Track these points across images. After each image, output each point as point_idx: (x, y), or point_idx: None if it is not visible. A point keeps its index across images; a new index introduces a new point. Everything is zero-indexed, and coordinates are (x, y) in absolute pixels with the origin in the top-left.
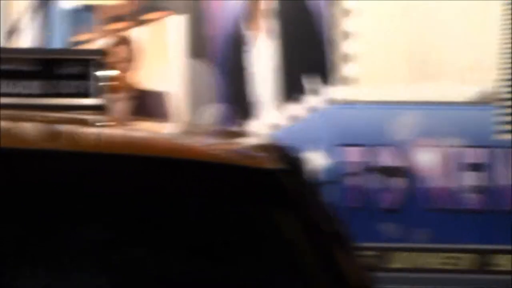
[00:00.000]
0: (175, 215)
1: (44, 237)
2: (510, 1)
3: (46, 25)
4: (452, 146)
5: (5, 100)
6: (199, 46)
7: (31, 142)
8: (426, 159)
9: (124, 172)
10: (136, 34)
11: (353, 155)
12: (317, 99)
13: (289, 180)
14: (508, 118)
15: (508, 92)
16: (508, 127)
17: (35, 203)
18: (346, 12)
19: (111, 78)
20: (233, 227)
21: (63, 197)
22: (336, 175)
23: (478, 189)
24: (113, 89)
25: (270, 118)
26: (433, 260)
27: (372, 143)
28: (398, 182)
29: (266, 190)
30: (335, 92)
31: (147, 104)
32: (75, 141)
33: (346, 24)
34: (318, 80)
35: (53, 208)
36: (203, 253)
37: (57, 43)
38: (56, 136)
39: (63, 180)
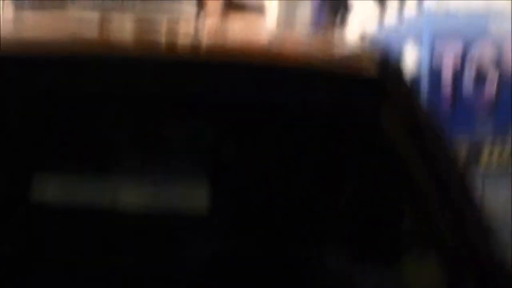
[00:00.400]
0: (274, 124)
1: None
2: None
3: None
4: None
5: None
6: None
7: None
8: None
9: (224, 80)
10: None
11: (450, 49)
12: None
13: (391, 87)
14: None
15: None
16: None
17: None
18: None
19: None
20: (334, 139)
21: (159, 105)
22: (433, 71)
23: None
24: None
25: (368, 14)
26: None
27: (469, 38)
28: (495, 77)
29: (368, 99)
30: None
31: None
32: (170, 49)
33: None
34: None
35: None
36: (304, 164)
37: None
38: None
39: (161, 88)
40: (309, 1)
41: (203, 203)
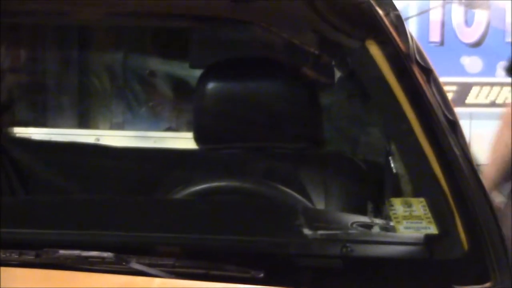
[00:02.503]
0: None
1: None
2: None
3: None
4: None
5: None
6: None
7: None
8: None
9: None
10: None
11: None
12: None
13: (376, 11)
14: None
15: None
16: None
17: None
18: None
19: None
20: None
21: None
22: (420, 9)
23: None
24: None
25: None
26: None
27: None
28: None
29: (354, 22)
30: None
31: None
32: None
33: None
34: None
35: None
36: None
37: None
38: None
39: None
40: None
41: None
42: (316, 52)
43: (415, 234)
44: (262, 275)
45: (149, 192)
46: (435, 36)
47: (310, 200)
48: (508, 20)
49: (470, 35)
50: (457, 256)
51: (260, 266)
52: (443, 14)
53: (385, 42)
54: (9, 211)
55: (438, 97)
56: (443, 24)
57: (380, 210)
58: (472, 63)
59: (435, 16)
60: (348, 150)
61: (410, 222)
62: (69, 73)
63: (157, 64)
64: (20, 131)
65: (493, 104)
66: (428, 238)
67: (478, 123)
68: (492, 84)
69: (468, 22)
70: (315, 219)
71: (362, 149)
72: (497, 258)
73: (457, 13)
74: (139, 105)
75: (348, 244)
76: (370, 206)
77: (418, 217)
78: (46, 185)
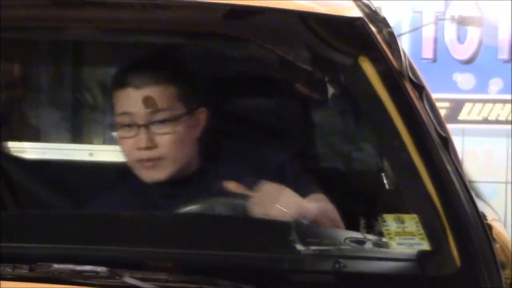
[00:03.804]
0: (257, 64)
1: None
2: None
3: None
4: None
5: None
6: None
7: None
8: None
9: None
10: None
11: (430, 5)
12: None
13: (370, 28)
14: None
15: None
16: None
17: None
18: None
19: None
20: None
21: None
22: (412, 26)
23: None
24: None
25: None
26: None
27: None
28: (474, 33)
29: (348, 39)
30: None
31: None
32: None
33: None
34: None
35: None
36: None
37: None
38: None
39: None
40: None
41: None
42: (309, 68)
43: (408, 250)
44: None
45: (143, 208)
46: (427, 52)
47: None
48: (500, 37)
49: (463, 52)
50: (449, 273)
51: (252, 281)
52: (436, 31)
53: (378, 59)
54: (2, 225)
55: (431, 114)
56: (435, 41)
57: (372, 226)
58: (464, 80)
59: (428, 33)
60: (341, 166)
61: (402, 238)
62: (63, 88)
63: None
64: (14, 146)
65: (485, 121)
66: (421, 254)
67: (471, 140)
68: (484, 101)
69: (460, 39)
70: (308, 235)
71: (355, 165)
72: (489, 274)
73: (450, 30)
74: None
75: (341, 260)
76: (362, 222)
77: (411, 233)
78: (38, 200)
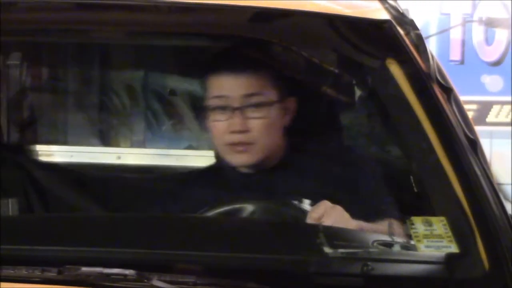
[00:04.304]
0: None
1: None
2: None
3: None
4: None
5: None
6: None
7: None
8: None
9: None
10: None
11: (458, 6)
12: None
13: (398, 30)
14: None
15: None
16: None
17: None
18: None
19: None
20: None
21: None
22: (440, 28)
23: None
24: None
25: None
26: None
27: None
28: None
29: (375, 42)
30: None
31: None
32: None
33: None
34: None
35: None
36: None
37: None
38: None
39: None
40: None
41: None
42: (337, 71)
43: (436, 253)
44: None
45: (171, 210)
46: (455, 54)
47: None
48: None
49: (491, 53)
50: (478, 276)
51: (281, 284)
52: (464, 33)
53: (406, 61)
54: (31, 229)
55: (459, 116)
56: (463, 43)
57: (401, 229)
58: (492, 81)
59: (456, 35)
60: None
61: (430, 240)
62: (90, 91)
63: (178, 83)
64: (42, 149)
65: None
66: (449, 257)
67: (499, 142)
68: None
69: (488, 41)
70: (336, 238)
71: (383, 168)
72: None
73: (478, 31)
74: (160, 123)
75: (369, 263)
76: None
77: (439, 236)
78: (65, 203)
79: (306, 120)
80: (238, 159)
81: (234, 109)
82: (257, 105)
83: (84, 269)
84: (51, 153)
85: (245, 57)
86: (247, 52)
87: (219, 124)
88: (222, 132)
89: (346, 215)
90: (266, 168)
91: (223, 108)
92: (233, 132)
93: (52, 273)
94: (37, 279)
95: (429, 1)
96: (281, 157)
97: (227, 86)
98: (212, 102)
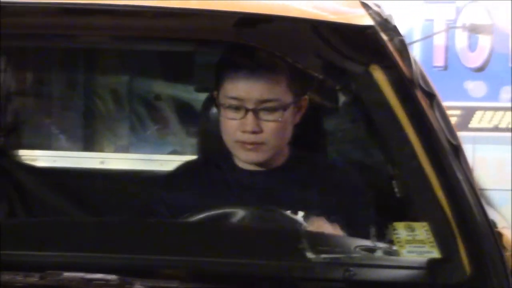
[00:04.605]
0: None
1: None
2: None
3: None
4: None
5: None
6: None
7: None
8: None
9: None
10: None
11: (441, 13)
12: None
13: (381, 36)
14: None
15: None
16: None
17: None
18: None
19: None
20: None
21: None
22: (424, 34)
23: None
24: None
25: None
26: None
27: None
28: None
29: (359, 47)
30: None
31: None
32: None
33: None
34: None
35: None
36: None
37: None
38: None
39: None
40: None
41: None
42: (320, 76)
43: (418, 258)
44: None
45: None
46: (439, 60)
47: None
48: None
49: (474, 59)
50: (460, 281)
51: None
52: (447, 39)
53: (389, 67)
54: (13, 233)
55: (442, 122)
56: (447, 49)
57: (383, 234)
58: (475, 87)
59: (439, 41)
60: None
61: (413, 246)
62: (74, 96)
63: (162, 88)
64: (25, 154)
65: (496, 129)
66: (431, 262)
67: (482, 148)
68: (495, 109)
69: (471, 47)
70: (318, 243)
71: (366, 173)
72: (499, 282)
73: (461, 38)
74: (144, 128)
75: (351, 268)
76: (373, 230)
77: (421, 241)
78: (48, 208)
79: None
80: (248, 156)
81: (248, 110)
82: (272, 109)
83: (67, 274)
84: (35, 157)
85: (266, 61)
86: (266, 55)
87: (232, 122)
88: (234, 130)
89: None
90: (268, 169)
91: (237, 108)
92: (245, 132)
93: (34, 278)
94: (19, 284)
95: (413, 7)
96: (285, 157)
97: (244, 89)
98: (226, 101)
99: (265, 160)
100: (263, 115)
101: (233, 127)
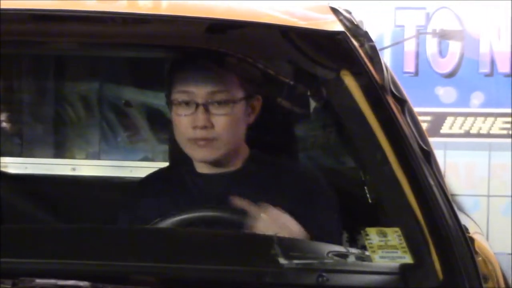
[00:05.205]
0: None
1: None
2: None
3: None
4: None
5: None
6: None
7: None
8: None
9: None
10: None
11: (411, 19)
12: None
13: (352, 42)
14: None
15: None
16: None
17: None
18: None
19: None
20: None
21: None
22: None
23: None
24: None
25: None
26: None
27: (429, 6)
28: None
29: (330, 53)
30: None
31: None
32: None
33: None
34: None
35: None
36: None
37: None
38: None
39: None
40: None
41: None
42: (291, 82)
43: (391, 264)
44: None
45: (124, 222)
46: (409, 66)
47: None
48: (482, 51)
49: (444, 65)
50: (432, 286)
51: None
52: (418, 45)
53: (360, 73)
54: None
55: (413, 127)
56: (417, 55)
57: (355, 240)
58: (446, 93)
59: (410, 47)
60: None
61: (385, 251)
62: (45, 103)
63: (133, 94)
64: None
65: (467, 134)
66: (403, 267)
67: (453, 153)
68: (466, 115)
69: (442, 53)
70: (291, 248)
71: (337, 179)
72: (471, 287)
73: (431, 44)
74: (115, 134)
75: (323, 274)
76: (345, 236)
77: (393, 247)
78: (20, 215)
79: (264, 126)
80: (200, 154)
81: (198, 105)
82: (222, 102)
83: (39, 281)
84: (6, 164)
85: (213, 53)
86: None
87: (183, 118)
88: (185, 126)
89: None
90: (227, 172)
91: (187, 103)
92: (196, 127)
93: (6, 285)
94: None
95: (383, 13)
96: (243, 160)
97: (193, 81)
98: (176, 96)
99: (218, 158)
100: (214, 109)
101: (185, 124)
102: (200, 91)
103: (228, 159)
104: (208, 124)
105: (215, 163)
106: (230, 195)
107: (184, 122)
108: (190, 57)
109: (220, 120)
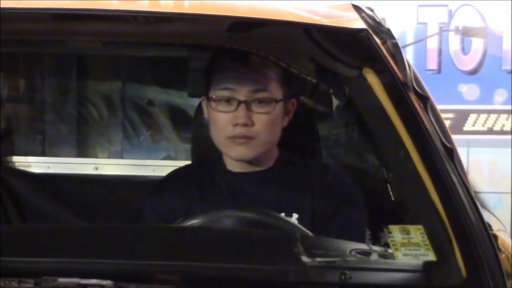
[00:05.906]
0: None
1: None
2: None
3: None
4: None
5: None
6: None
7: None
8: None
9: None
10: None
11: (434, 16)
12: None
13: (374, 40)
14: None
15: None
16: None
17: None
18: None
19: None
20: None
21: None
22: (417, 37)
23: None
24: None
25: None
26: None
27: (452, 3)
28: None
29: (352, 51)
30: None
31: None
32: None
33: None
34: None
35: None
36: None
37: None
38: None
39: None
40: None
41: None
42: (314, 80)
43: (413, 261)
44: None
45: (148, 220)
46: (432, 64)
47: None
48: (504, 47)
49: (467, 62)
50: (455, 283)
51: None
52: (440, 42)
53: (383, 71)
54: (7, 240)
55: (436, 125)
56: (440, 52)
57: (378, 237)
58: (469, 90)
59: (432, 44)
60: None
61: (408, 249)
62: (67, 102)
63: (155, 93)
64: (19, 160)
65: (490, 131)
66: (427, 265)
67: (476, 151)
68: (489, 112)
69: (465, 50)
70: (314, 247)
71: (360, 177)
72: (495, 284)
73: (454, 41)
74: (138, 133)
75: (346, 271)
76: (368, 233)
77: (416, 244)
78: (42, 214)
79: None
80: (237, 152)
81: (240, 102)
82: (263, 101)
83: (61, 280)
84: (29, 164)
85: (256, 52)
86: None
87: (223, 115)
88: (225, 124)
89: None
90: (258, 171)
91: (228, 100)
92: (237, 124)
93: (29, 284)
94: None
95: (406, 11)
96: (274, 159)
97: (235, 79)
98: (217, 93)
99: (254, 157)
100: (255, 107)
101: (224, 121)
102: (242, 89)
103: (261, 159)
104: (249, 121)
105: (249, 161)
106: (262, 194)
107: (224, 119)
108: (231, 56)
109: (261, 118)
